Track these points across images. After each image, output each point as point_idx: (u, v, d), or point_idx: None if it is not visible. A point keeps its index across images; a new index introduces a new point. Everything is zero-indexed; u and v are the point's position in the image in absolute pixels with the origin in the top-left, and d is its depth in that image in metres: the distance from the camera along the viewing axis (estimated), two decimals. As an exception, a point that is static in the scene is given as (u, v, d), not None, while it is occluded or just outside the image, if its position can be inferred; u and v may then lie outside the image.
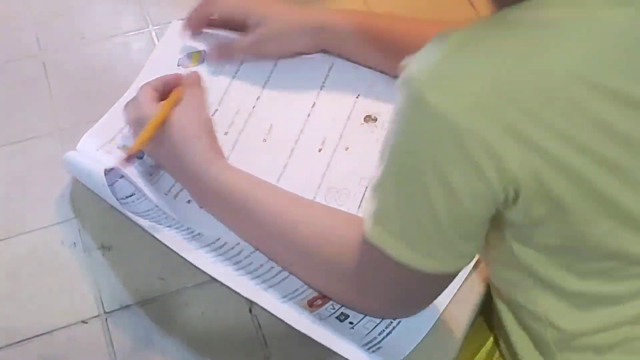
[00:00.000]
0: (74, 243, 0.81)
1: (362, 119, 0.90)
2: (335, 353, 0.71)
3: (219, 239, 0.80)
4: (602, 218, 0.62)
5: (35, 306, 0.76)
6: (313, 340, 0.71)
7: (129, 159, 0.78)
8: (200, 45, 0.97)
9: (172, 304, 0.77)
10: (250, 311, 0.76)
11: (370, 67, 0.94)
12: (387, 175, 0.64)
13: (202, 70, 0.95)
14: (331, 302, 0.75)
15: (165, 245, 0.78)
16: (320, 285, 0.76)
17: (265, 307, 0.74)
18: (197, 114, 0.85)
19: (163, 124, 0.81)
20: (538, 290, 0.69)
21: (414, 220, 0.64)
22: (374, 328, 0.74)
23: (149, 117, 0.82)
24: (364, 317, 0.75)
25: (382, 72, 0.93)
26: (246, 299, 0.75)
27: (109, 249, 0.80)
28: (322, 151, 0.88)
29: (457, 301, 0.76)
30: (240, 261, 0.78)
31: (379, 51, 0.91)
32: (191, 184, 0.82)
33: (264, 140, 0.89)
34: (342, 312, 0.75)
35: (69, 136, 0.88)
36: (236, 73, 0.95)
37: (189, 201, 0.83)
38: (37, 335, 0.74)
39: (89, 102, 0.93)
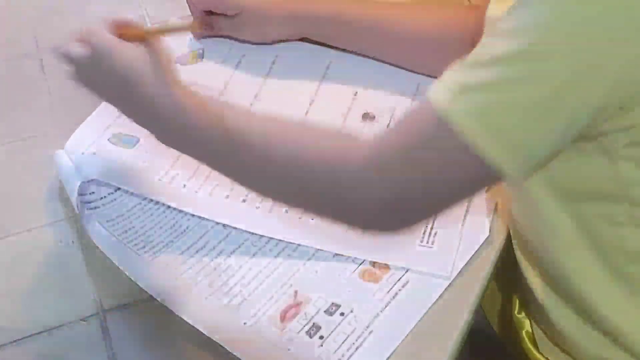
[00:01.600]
0: (72, 241, 0.81)
1: (360, 117, 0.90)
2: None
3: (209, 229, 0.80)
4: None
5: (34, 305, 0.76)
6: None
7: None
8: (198, 44, 0.97)
9: (171, 302, 0.77)
10: (249, 309, 0.76)
11: (350, 52, 0.95)
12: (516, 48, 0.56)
13: (201, 67, 0.95)
14: (304, 312, 0.73)
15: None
16: (319, 190, 0.65)
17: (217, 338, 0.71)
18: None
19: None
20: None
21: (518, 101, 0.56)
22: (344, 341, 0.70)
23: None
24: (335, 328, 0.71)
25: (364, 56, 0.95)
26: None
27: (108, 248, 0.80)
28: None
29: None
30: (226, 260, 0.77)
31: (355, 36, 0.93)
32: (149, 114, 0.70)
33: (262, 138, 0.89)
34: (313, 324, 0.72)
35: (67, 135, 0.88)
36: (234, 71, 0.95)
37: (184, 185, 0.83)
38: (36, 334, 0.74)
39: (87, 101, 0.91)
